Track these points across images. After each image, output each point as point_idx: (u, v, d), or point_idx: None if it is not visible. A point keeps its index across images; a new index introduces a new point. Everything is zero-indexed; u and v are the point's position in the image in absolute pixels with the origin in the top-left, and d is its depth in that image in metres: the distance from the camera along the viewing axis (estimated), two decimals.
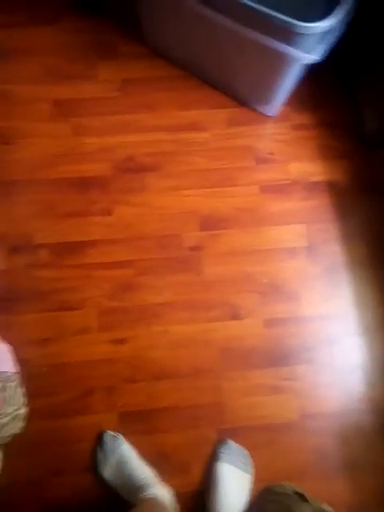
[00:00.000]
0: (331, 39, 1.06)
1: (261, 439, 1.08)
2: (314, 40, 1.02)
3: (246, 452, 1.07)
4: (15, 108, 1.34)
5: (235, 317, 1.18)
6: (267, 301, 1.20)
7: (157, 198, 1.27)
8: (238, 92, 1.36)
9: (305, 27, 0.97)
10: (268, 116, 1.37)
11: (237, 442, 1.07)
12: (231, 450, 1.07)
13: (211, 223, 1.26)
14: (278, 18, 0.99)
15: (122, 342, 1.13)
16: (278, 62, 1.13)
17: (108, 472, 1.01)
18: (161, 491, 0.96)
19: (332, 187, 1.31)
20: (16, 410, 0.75)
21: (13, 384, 0.77)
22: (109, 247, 1.21)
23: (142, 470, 1.00)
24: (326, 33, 1.02)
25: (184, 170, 1.30)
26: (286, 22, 0.98)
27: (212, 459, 1.06)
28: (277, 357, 1.16)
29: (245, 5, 1.01)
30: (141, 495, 0.94)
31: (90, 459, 1.04)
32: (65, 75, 1.39)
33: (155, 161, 1.30)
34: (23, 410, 0.78)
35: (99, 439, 1.05)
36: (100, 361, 1.12)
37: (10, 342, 0.84)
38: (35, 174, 1.26)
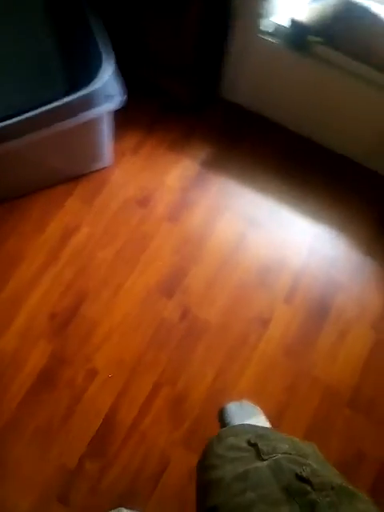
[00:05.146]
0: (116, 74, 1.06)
1: None
2: (105, 89, 1.00)
3: (243, 401, 1.08)
4: None
5: (266, 323, 1.19)
6: (269, 283, 1.23)
7: (113, 314, 1.17)
8: (64, 175, 1.28)
9: (87, 92, 0.96)
10: (106, 167, 1.32)
11: None
12: (233, 410, 1.07)
13: (171, 284, 1.21)
14: (58, 106, 0.95)
15: None
16: (87, 129, 1.09)
17: None
18: None
19: (206, 164, 1.34)
20: None
21: None
22: (130, 393, 1.11)
23: None
24: (110, 77, 1.01)
25: (104, 273, 1.21)
26: (66, 102, 0.95)
27: None
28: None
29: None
30: None
31: None
32: None
33: (75, 292, 1.19)
34: None
35: None
36: None
37: None
38: None
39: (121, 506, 1.01)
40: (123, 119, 1.26)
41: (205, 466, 0.65)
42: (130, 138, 1.35)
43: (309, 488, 0.50)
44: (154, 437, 1.09)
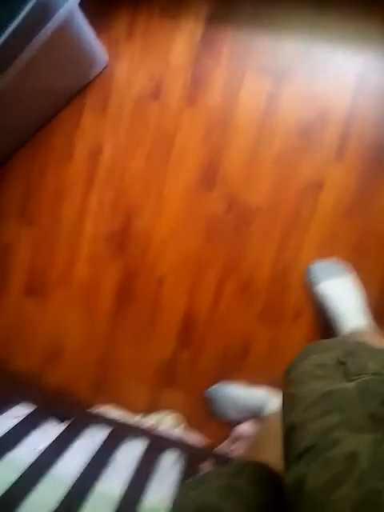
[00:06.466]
0: None
1: None
2: None
3: (332, 260, 1.09)
4: None
5: (318, 188, 1.10)
6: (314, 143, 1.10)
7: (162, 222, 1.19)
8: (67, 93, 1.19)
9: None
10: (106, 66, 1.18)
11: None
12: (320, 268, 1.09)
13: (209, 176, 1.15)
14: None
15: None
16: (64, 35, 0.96)
17: (232, 416, 1.14)
18: (276, 403, 1.02)
19: (210, 21, 1.12)
20: None
21: None
22: (200, 289, 1.18)
23: (252, 397, 1.11)
24: None
25: (141, 184, 1.19)
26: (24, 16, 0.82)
27: (309, 289, 1.10)
28: None
29: None
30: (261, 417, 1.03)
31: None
32: None
33: (121, 211, 1.21)
34: None
35: (207, 399, 1.18)
36: None
37: None
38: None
39: (219, 381, 1.17)
40: (102, 6, 1.08)
41: (289, 379, 0.63)
42: (118, 23, 1.16)
43: None
44: (232, 321, 1.17)
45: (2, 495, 0.72)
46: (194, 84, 1.14)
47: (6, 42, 0.88)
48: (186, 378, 1.20)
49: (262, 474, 0.62)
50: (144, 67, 1.17)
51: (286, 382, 0.65)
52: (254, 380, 1.15)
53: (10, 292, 1.29)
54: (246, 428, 1.09)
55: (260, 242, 1.14)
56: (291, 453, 0.51)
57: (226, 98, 1.13)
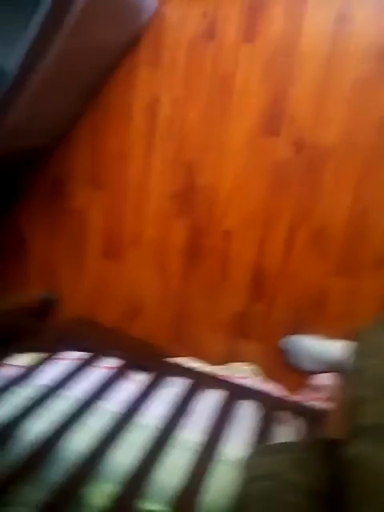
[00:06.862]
0: None
1: None
2: None
3: None
4: None
5: None
6: None
7: (226, 173, 1.13)
8: (121, 45, 1.14)
9: None
10: (155, 11, 1.11)
11: None
12: None
13: (273, 118, 1.06)
14: None
15: None
16: None
17: (308, 367, 1.12)
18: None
19: None
20: None
21: None
22: (269, 240, 1.13)
23: (328, 350, 1.08)
24: None
25: (202, 135, 1.13)
26: None
27: None
28: None
29: None
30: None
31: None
32: None
33: (184, 166, 1.17)
34: None
35: (282, 350, 1.17)
36: None
37: None
38: None
39: (295, 332, 1.14)
40: None
41: (361, 350, 0.61)
42: None
43: None
44: (305, 271, 1.12)
45: (97, 442, 0.79)
46: (251, 15, 1.03)
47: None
48: (260, 330, 1.19)
49: (332, 450, 0.61)
50: (195, 4, 1.07)
51: (356, 352, 0.61)
52: (331, 332, 1.10)
53: (90, 255, 1.35)
54: (323, 379, 1.06)
55: (334, 184, 1.04)
56: (356, 426, 0.49)
57: (287, 26, 1.01)
